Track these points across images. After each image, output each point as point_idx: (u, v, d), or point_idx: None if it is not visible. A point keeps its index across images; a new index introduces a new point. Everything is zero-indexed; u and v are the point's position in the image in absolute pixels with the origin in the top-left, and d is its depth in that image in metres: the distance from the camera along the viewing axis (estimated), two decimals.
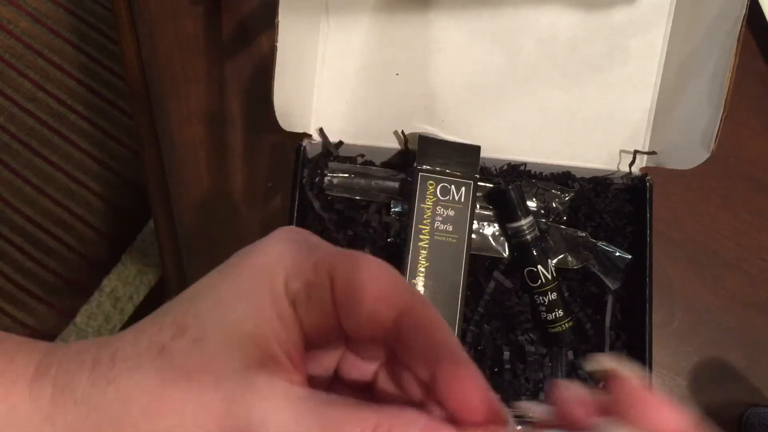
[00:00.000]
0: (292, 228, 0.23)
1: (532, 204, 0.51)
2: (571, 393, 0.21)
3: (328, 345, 0.24)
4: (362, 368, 0.25)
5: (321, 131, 0.50)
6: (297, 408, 0.19)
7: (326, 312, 0.21)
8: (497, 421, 0.21)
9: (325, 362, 0.25)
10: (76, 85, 0.89)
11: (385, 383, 0.25)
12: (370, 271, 0.21)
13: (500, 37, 0.50)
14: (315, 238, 0.23)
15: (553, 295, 0.48)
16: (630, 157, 0.51)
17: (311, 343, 0.22)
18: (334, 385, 0.26)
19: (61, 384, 0.20)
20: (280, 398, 0.19)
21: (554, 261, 0.49)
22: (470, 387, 0.20)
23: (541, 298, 0.48)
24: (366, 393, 0.25)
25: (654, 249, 0.49)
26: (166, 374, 0.19)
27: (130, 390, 0.19)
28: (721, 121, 0.42)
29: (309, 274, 0.21)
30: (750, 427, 0.51)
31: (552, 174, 0.52)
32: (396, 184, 0.50)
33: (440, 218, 0.47)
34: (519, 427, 0.21)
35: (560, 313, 0.48)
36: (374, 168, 0.51)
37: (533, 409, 0.22)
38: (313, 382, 0.24)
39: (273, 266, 0.21)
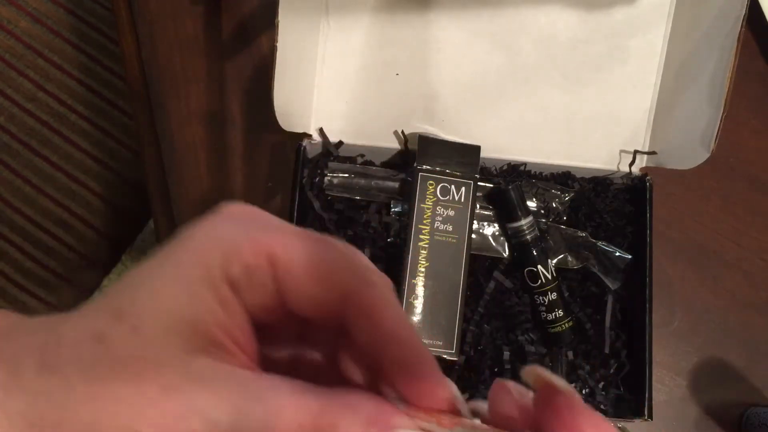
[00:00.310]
0: (238, 205, 0.23)
1: (532, 204, 0.51)
2: (510, 393, 0.21)
3: (283, 324, 0.23)
4: (320, 344, 0.25)
5: (321, 131, 0.50)
6: (237, 393, 0.19)
7: (270, 295, 0.21)
8: (449, 407, 0.20)
9: (283, 339, 0.25)
10: (77, 85, 0.89)
11: (342, 358, 0.24)
12: (309, 252, 0.21)
13: (500, 37, 0.50)
14: (260, 214, 0.23)
15: (553, 295, 0.48)
16: (630, 157, 0.51)
17: (264, 323, 0.22)
18: (296, 362, 0.25)
19: (11, 369, 0.20)
20: (220, 383, 0.19)
21: (554, 261, 0.49)
22: (419, 374, 0.20)
23: (541, 298, 0.48)
24: (328, 367, 0.25)
25: (654, 249, 0.49)
26: (105, 362, 0.19)
27: (71, 378, 0.20)
28: (721, 121, 0.42)
29: (248, 257, 0.21)
30: (750, 427, 0.51)
31: (552, 174, 0.52)
32: (396, 184, 0.50)
33: (440, 218, 0.47)
34: (477, 420, 0.21)
35: (560, 313, 0.48)
36: (374, 168, 0.51)
37: (477, 405, 0.22)
38: (272, 362, 0.24)
39: (210, 250, 0.21)
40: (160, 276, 0.21)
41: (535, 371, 0.20)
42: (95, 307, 0.21)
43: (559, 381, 0.20)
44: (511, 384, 0.21)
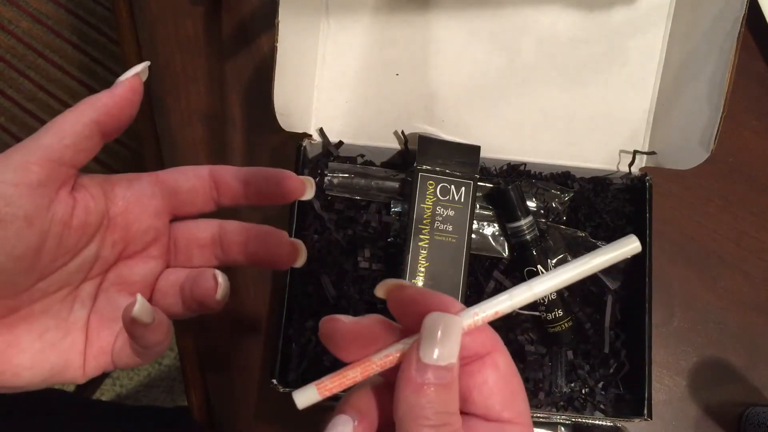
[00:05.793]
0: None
1: (531, 204, 0.51)
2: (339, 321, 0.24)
3: None
4: None
5: (321, 131, 0.50)
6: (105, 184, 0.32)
7: None
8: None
9: None
10: (77, 85, 0.90)
11: None
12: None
13: (500, 37, 0.50)
14: None
15: (553, 295, 0.48)
16: (629, 157, 0.51)
17: None
18: None
19: None
20: (90, 185, 0.31)
21: (554, 261, 0.49)
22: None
23: (540, 297, 0.48)
24: None
25: (654, 249, 0.49)
26: None
27: None
28: (720, 121, 0.42)
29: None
30: (750, 426, 0.51)
31: (552, 174, 0.52)
32: (396, 184, 0.50)
33: (440, 218, 0.47)
34: None
35: (560, 312, 0.48)
36: (374, 168, 0.51)
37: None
38: None
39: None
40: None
41: (384, 283, 0.23)
42: None
43: (403, 281, 0.23)
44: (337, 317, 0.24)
